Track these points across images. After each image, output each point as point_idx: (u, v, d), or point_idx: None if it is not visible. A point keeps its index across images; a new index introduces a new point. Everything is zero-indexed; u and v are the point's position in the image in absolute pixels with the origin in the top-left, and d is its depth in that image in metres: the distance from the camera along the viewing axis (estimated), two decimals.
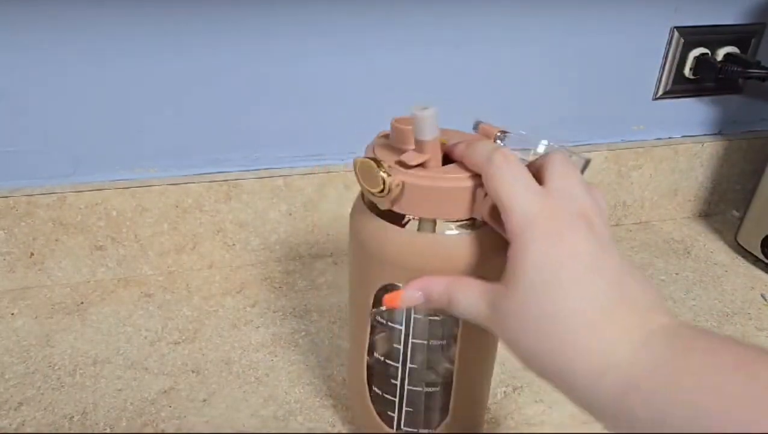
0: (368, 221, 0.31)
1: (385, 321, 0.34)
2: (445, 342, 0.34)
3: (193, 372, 0.46)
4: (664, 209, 0.70)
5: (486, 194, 0.28)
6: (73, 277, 0.56)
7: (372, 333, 0.34)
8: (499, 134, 0.32)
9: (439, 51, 0.55)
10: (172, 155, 0.55)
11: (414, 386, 0.35)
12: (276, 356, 0.48)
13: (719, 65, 0.61)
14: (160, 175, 0.55)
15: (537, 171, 0.27)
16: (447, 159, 0.29)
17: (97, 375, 0.46)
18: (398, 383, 0.35)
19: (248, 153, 0.56)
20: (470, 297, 0.27)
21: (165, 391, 0.44)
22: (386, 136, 0.31)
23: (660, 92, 0.64)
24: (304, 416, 0.42)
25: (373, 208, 0.31)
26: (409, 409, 0.35)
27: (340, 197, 0.58)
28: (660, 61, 0.62)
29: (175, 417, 0.42)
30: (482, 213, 0.28)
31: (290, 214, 0.58)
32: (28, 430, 0.41)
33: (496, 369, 0.46)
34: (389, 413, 0.36)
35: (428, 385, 0.35)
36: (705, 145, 0.67)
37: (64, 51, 0.48)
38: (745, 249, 0.63)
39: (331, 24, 0.52)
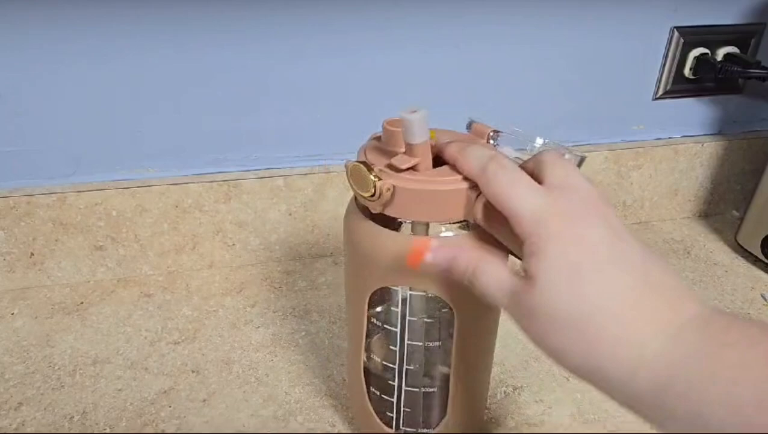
0: (361, 224, 0.31)
1: (381, 324, 0.34)
2: (441, 343, 0.34)
3: (193, 372, 0.46)
4: (664, 209, 0.70)
5: (478, 196, 0.27)
6: (73, 277, 0.56)
7: (368, 334, 0.34)
8: (492, 133, 0.31)
9: (439, 51, 0.55)
10: (172, 155, 0.55)
11: (411, 387, 0.35)
12: (276, 356, 0.48)
13: (719, 65, 0.61)
14: (160, 175, 0.55)
15: (532, 173, 0.27)
16: (438, 159, 0.29)
17: (97, 375, 0.45)
18: (395, 384, 0.35)
19: (248, 153, 0.56)
20: (492, 283, 0.26)
21: (165, 391, 0.44)
22: (379, 138, 0.31)
23: (660, 92, 0.64)
24: (304, 416, 0.42)
25: (366, 211, 0.31)
26: (407, 409, 0.35)
27: (340, 197, 0.58)
28: (660, 61, 0.62)
29: (175, 417, 0.42)
30: (474, 215, 0.28)
31: (290, 214, 0.58)
32: (28, 430, 0.41)
33: (496, 369, 0.46)
34: (388, 413, 0.36)
35: (425, 386, 0.35)
36: (705, 145, 0.67)
37: (64, 51, 0.48)
38: (745, 249, 0.63)
39: (331, 24, 0.52)
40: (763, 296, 0.57)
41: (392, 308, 0.33)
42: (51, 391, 0.44)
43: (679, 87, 0.64)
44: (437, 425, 0.36)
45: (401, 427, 0.36)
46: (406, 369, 0.34)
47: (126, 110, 0.52)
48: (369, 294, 0.32)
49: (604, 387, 0.23)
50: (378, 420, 0.36)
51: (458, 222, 0.29)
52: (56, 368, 0.46)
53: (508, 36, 0.57)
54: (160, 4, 0.48)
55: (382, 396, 0.36)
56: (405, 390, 0.35)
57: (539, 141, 0.30)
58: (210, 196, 0.55)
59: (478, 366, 0.35)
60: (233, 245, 0.59)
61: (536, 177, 0.26)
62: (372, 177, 0.27)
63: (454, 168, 0.28)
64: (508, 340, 0.50)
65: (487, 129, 0.31)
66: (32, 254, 0.54)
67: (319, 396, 0.44)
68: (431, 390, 0.35)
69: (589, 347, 0.23)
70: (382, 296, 0.33)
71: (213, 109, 0.53)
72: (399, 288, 0.32)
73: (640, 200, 0.68)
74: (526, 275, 0.25)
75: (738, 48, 0.62)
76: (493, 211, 0.27)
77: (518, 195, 0.25)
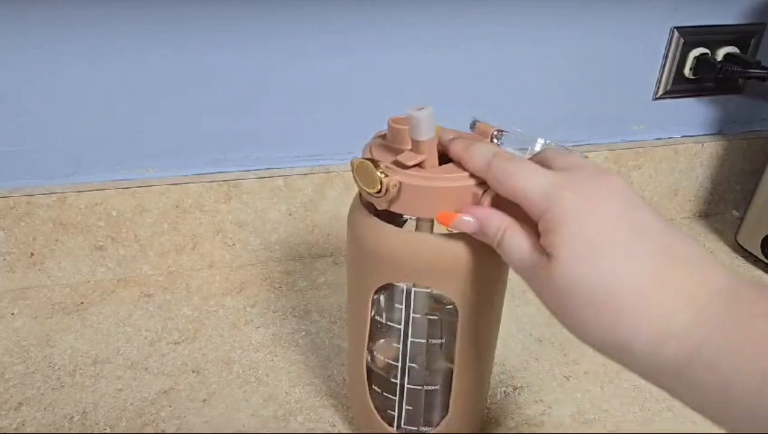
0: (366, 221, 0.31)
1: (384, 321, 0.34)
2: (444, 340, 0.34)
3: (193, 372, 0.46)
4: (664, 209, 0.70)
5: (483, 192, 0.28)
6: (73, 277, 0.56)
7: (371, 333, 0.34)
8: (495, 132, 0.31)
9: (439, 51, 0.55)
10: (172, 155, 0.55)
11: (414, 385, 0.35)
12: (276, 356, 0.48)
13: (719, 65, 0.61)
14: (160, 175, 0.55)
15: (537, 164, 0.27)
16: (443, 157, 0.30)
17: (97, 375, 0.45)
18: (398, 382, 0.35)
19: (248, 153, 0.56)
20: (516, 255, 0.26)
21: (165, 391, 0.44)
22: (383, 136, 0.31)
23: (660, 92, 0.64)
24: (304, 416, 0.42)
25: (371, 208, 0.31)
26: (409, 407, 0.36)
27: (340, 197, 0.58)
28: (660, 61, 0.62)
29: (175, 417, 0.42)
30: None
31: (290, 214, 0.58)
32: (28, 430, 0.41)
33: (496, 368, 0.46)
34: (389, 412, 0.36)
35: (428, 384, 0.35)
36: (705, 145, 0.67)
37: (64, 51, 0.48)
38: (745, 249, 0.63)
39: (331, 24, 0.52)
40: None
41: (396, 305, 0.33)
42: (51, 391, 0.44)
43: (679, 87, 0.64)
44: (438, 424, 0.36)
45: (403, 426, 0.36)
46: (409, 366, 0.34)
47: (126, 110, 0.52)
48: (373, 291, 0.32)
49: (628, 361, 0.23)
50: (380, 419, 0.36)
51: None
52: (56, 368, 0.46)
53: (508, 36, 0.57)
54: (160, 4, 0.48)
55: (384, 394, 0.36)
56: (408, 388, 0.35)
57: (540, 141, 0.30)
58: (210, 196, 0.55)
59: (481, 363, 0.35)
60: (233, 245, 0.59)
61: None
62: (378, 174, 0.28)
63: (460, 165, 0.28)
64: (508, 340, 0.50)
65: (490, 129, 0.32)
66: (32, 254, 0.54)
67: (319, 396, 0.44)
68: (433, 387, 0.35)
69: (612, 322, 0.22)
70: (385, 293, 0.33)
71: (213, 109, 0.53)
72: (403, 285, 0.32)
73: None
74: (545, 252, 0.24)
75: (738, 48, 0.62)
76: (500, 207, 0.27)
77: (526, 178, 0.25)
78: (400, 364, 0.34)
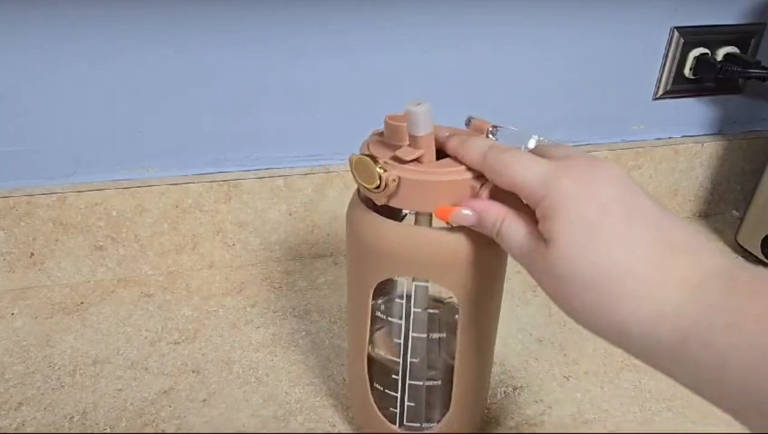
0: (365, 216, 0.31)
1: (384, 316, 0.34)
2: (444, 334, 0.34)
3: (193, 372, 0.46)
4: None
5: (481, 186, 0.28)
6: (73, 277, 0.56)
7: (371, 329, 0.34)
8: (491, 128, 0.32)
9: (439, 51, 0.55)
10: (172, 155, 0.55)
11: (415, 380, 0.35)
12: (276, 356, 0.48)
13: (719, 65, 0.61)
14: (160, 175, 0.55)
15: None
16: (439, 153, 0.30)
17: (97, 375, 0.45)
18: (399, 378, 0.35)
19: (248, 153, 0.56)
20: (514, 242, 0.26)
21: (165, 391, 0.44)
22: (380, 134, 0.32)
23: (660, 92, 0.64)
24: (304, 416, 0.42)
25: (370, 204, 0.31)
26: (410, 404, 0.36)
27: (340, 197, 0.58)
28: (660, 61, 0.62)
29: (175, 417, 0.42)
30: None
31: (290, 214, 0.58)
32: (28, 430, 0.41)
33: (496, 368, 0.46)
34: (391, 409, 0.36)
35: (429, 379, 0.35)
36: (705, 145, 0.67)
37: (64, 51, 0.48)
38: (745, 249, 0.63)
39: (331, 24, 0.52)
40: None
41: (396, 300, 0.33)
42: (51, 391, 0.44)
43: (679, 87, 0.64)
44: (440, 420, 0.36)
45: (405, 423, 0.36)
46: (410, 362, 0.34)
47: (126, 110, 0.52)
48: (373, 287, 0.32)
49: (626, 343, 0.23)
50: (382, 417, 0.36)
51: None
52: (56, 368, 0.46)
53: (508, 36, 0.57)
54: (160, 4, 0.48)
55: (386, 391, 0.36)
56: (409, 384, 0.35)
57: (534, 139, 0.31)
58: (210, 196, 0.55)
59: (482, 357, 0.35)
60: (233, 245, 0.59)
61: None
62: (378, 169, 0.28)
63: (457, 160, 0.29)
64: (508, 340, 0.50)
65: (486, 124, 0.32)
66: (32, 254, 0.54)
67: (319, 396, 0.44)
68: (435, 383, 0.35)
69: (610, 305, 0.23)
70: (385, 289, 0.33)
71: (213, 109, 0.53)
72: (404, 279, 0.32)
73: None
74: (543, 238, 0.25)
75: (738, 48, 0.62)
76: (498, 199, 0.27)
77: (524, 167, 0.25)
78: (401, 360, 0.34)
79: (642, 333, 0.22)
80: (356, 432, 0.41)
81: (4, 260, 0.54)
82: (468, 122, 0.33)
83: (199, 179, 0.55)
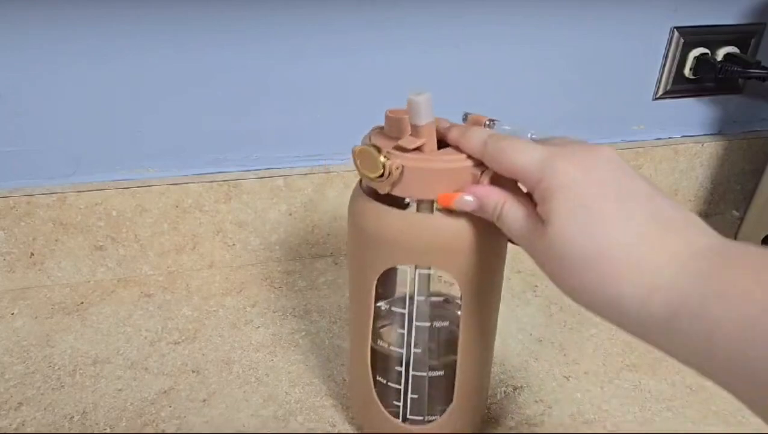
0: (367, 205, 0.31)
1: (388, 306, 0.34)
2: (448, 323, 0.35)
3: (193, 372, 0.46)
4: None
5: (482, 173, 0.29)
6: (73, 277, 0.56)
7: (374, 320, 0.34)
8: (488, 122, 0.33)
9: (439, 51, 0.55)
10: (172, 155, 0.55)
11: (418, 371, 0.35)
12: (276, 356, 0.48)
13: (719, 65, 0.61)
14: (160, 175, 0.55)
15: None
16: (440, 144, 0.30)
17: (97, 375, 0.45)
18: (403, 369, 0.35)
19: (248, 153, 0.56)
20: (514, 225, 0.27)
21: (165, 391, 0.44)
22: (381, 129, 0.32)
23: (660, 92, 0.64)
24: (304, 416, 0.42)
25: (372, 194, 0.31)
26: (414, 396, 0.36)
27: (340, 197, 0.58)
28: (660, 61, 0.62)
29: (175, 417, 0.42)
30: None
31: (290, 214, 0.58)
32: (28, 430, 0.41)
33: (496, 368, 0.46)
34: (395, 403, 0.36)
35: (432, 369, 0.35)
36: (705, 145, 0.67)
37: (64, 51, 0.48)
38: None
39: (331, 24, 0.52)
40: None
41: (399, 288, 0.33)
42: (51, 391, 0.44)
43: (679, 87, 0.64)
44: (443, 412, 0.36)
45: (408, 416, 0.36)
46: (414, 352, 0.34)
47: (126, 110, 0.52)
48: (377, 276, 0.32)
49: (619, 319, 0.24)
50: (385, 411, 0.36)
51: None
52: (56, 368, 0.46)
53: (508, 36, 0.57)
54: (160, 4, 0.48)
55: (389, 383, 0.36)
56: (412, 375, 0.35)
57: (529, 134, 0.31)
58: (210, 196, 0.55)
59: (484, 344, 0.36)
60: (233, 245, 0.59)
61: None
62: (381, 158, 0.28)
63: (458, 150, 0.30)
64: (508, 340, 0.50)
65: (482, 119, 0.33)
66: (32, 254, 0.54)
67: (319, 396, 0.44)
68: (438, 373, 0.35)
69: (604, 280, 0.23)
70: (388, 278, 0.34)
71: (213, 109, 0.53)
72: (407, 268, 0.32)
73: None
74: (542, 220, 0.26)
75: (738, 48, 0.62)
76: (498, 185, 0.28)
77: (521, 152, 0.26)
78: (404, 350, 0.34)
79: (635, 307, 0.23)
80: (356, 432, 0.41)
81: (4, 260, 0.54)
82: (465, 118, 0.34)
83: (199, 179, 0.55)
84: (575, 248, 0.24)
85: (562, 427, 0.42)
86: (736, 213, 0.71)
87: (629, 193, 0.24)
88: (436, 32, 0.55)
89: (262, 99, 0.54)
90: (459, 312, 0.33)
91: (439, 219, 0.30)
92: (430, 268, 0.32)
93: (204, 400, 0.43)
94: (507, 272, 0.36)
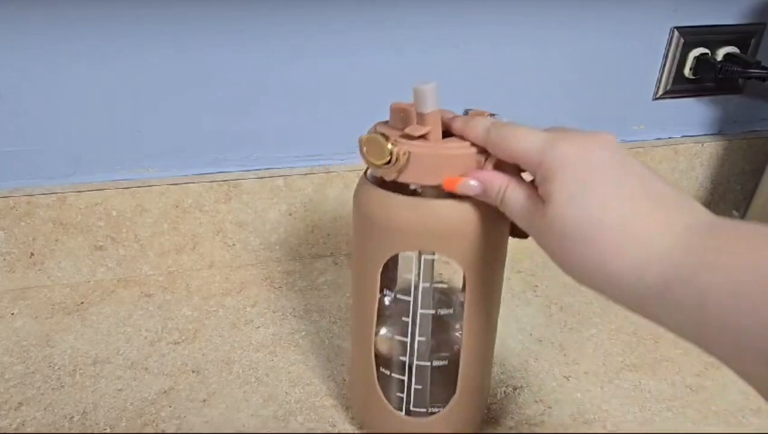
0: (373, 193, 0.32)
1: (392, 294, 0.34)
2: (452, 310, 0.35)
3: (193, 372, 0.46)
4: None
5: (486, 159, 0.30)
6: (73, 277, 0.56)
7: (379, 310, 0.35)
8: (488, 115, 0.33)
9: (439, 51, 0.55)
10: (172, 155, 0.55)
11: (422, 361, 0.35)
12: (276, 356, 0.48)
13: (719, 65, 0.61)
14: (160, 175, 0.55)
15: None
16: (445, 134, 0.31)
17: (97, 375, 0.45)
18: (407, 359, 0.35)
19: (248, 153, 0.56)
20: (516, 206, 0.28)
21: (165, 391, 0.44)
22: (384, 123, 0.33)
23: (660, 92, 0.64)
24: (304, 416, 0.42)
25: (377, 183, 0.32)
26: (418, 386, 0.36)
27: (340, 197, 0.58)
28: (660, 61, 0.62)
29: (175, 417, 0.42)
30: None
31: (290, 214, 0.58)
32: (28, 430, 0.41)
33: (496, 368, 0.46)
34: (398, 394, 0.36)
35: (436, 359, 0.35)
36: (705, 145, 0.67)
37: (64, 51, 0.48)
38: None
39: (331, 24, 0.52)
40: None
41: (405, 275, 0.34)
42: (51, 391, 0.44)
43: (679, 87, 0.64)
44: (446, 404, 0.36)
45: (411, 408, 0.36)
46: (418, 340, 0.34)
47: (126, 110, 0.52)
48: (383, 263, 0.33)
49: (615, 292, 0.24)
50: (387, 403, 0.36)
51: None
52: (56, 368, 0.46)
53: (508, 36, 0.57)
54: (160, 4, 0.48)
55: (392, 374, 0.36)
56: (416, 365, 0.35)
57: None
58: (210, 196, 0.55)
59: (487, 332, 0.36)
60: (233, 245, 0.59)
61: None
62: (389, 145, 0.29)
63: (462, 139, 0.31)
64: (508, 340, 0.50)
65: (484, 113, 0.33)
66: (32, 254, 0.54)
67: (319, 396, 0.44)
68: (442, 363, 0.35)
69: (600, 254, 0.24)
70: (391, 270, 0.34)
71: (213, 109, 0.53)
72: (412, 255, 0.33)
73: None
74: (542, 200, 0.27)
75: (738, 48, 0.62)
76: (501, 171, 0.29)
77: (523, 137, 0.27)
78: (409, 338, 0.34)
79: (631, 279, 0.23)
80: (357, 432, 0.41)
81: (4, 260, 0.54)
82: (465, 113, 0.34)
83: (199, 179, 0.55)
84: (574, 225, 0.25)
85: (562, 427, 0.42)
86: (736, 213, 0.71)
87: (626, 173, 0.25)
88: (436, 32, 0.55)
89: (262, 99, 0.54)
90: (462, 300, 0.33)
91: (443, 205, 0.31)
92: (434, 254, 0.33)
93: (204, 400, 0.43)
94: (507, 272, 0.36)
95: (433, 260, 0.33)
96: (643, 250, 0.23)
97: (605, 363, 0.48)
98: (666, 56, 0.62)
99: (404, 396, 0.36)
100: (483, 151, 0.30)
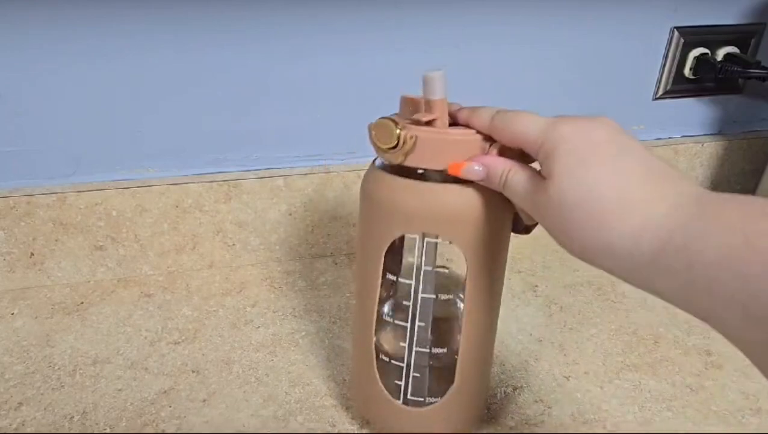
0: (381, 177, 0.33)
1: (395, 278, 0.35)
2: (452, 296, 0.35)
3: (193, 372, 0.46)
4: None
5: (490, 145, 0.31)
6: (73, 277, 0.56)
7: (381, 294, 0.35)
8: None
9: (439, 51, 0.55)
10: (172, 155, 0.55)
11: (421, 347, 0.35)
12: (276, 356, 0.48)
13: (719, 65, 0.61)
14: (160, 175, 0.55)
15: None
16: (452, 124, 0.32)
17: (97, 375, 0.45)
18: (406, 344, 0.35)
19: (248, 153, 0.56)
20: (519, 187, 0.29)
21: (165, 391, 0.44)
22: (395, 114, 0.34)
23: (660, 92, 0.64)
24: (304, 416, 0.42)
25: (385, 169, 0.33)
26: (416, 374, 0.36)
27: (340, 197, 0.58)
28: (660, 61, 0.62)
29: (175, 417, 0.42)
30: None
31: (290, 214, 0.58)
32: (28, 430, 0.41)
33: (496, 368, 0.46)
34: (396, 382, 0.36)
35: (435, 346, 0.35)
36: (705, 145, 0.67)
37: (64, 51, 0.48)
38: None
39: (331, 24, 0.52)
40: None
41: (408, 259, 0.34)
42: (51, 391, 0.44)
43: (679, 87, 0.64)
44: (443, 395, 0.36)
45: (409, 397, 0.36)
46: (418, 325, 0.35)
47: (126, 110, 0.52)
48: (387, 245, 0.33)
49: (610, 261, 0.25)
50: (385, 391, 0.36)
51: None
52: (56, 368, 0.46)
53: (508, 36, 0.57)
54: (160, 4, 0.48)
55: (392, 361, 0.36)
56: (415, 352, 0.35)
57: None
58: (210, 196, 0.55)
59: (488, 321, 0.36)
60: (233, 245, 0.59)
61: None
62: (397, 129, 0.30)
63: (468, 127, 0.32)
64: (508, 340, 0.50)
65: None
66: (32, 254, 0.54)
67: (319, 396, 0.44)
68: (441, 350, 0.36)
69: (597, 223, 0.25)
70: (398, 252, 0.35)
71: (213, 109, 0.53)
72: (415, 238, 0.33)
73: None
74: (543, 179, 0.28)
75: (738, 48, 0.62)
76: (505, 157, 0.30)
77: (525, 121, 0.29)
78: (409, 323, 0.35)
79: (626, 246, 0.24)
80: (356, 432, 0.41)
81: (4, 260, 0.54)
82: None
83: (199, 179, 0.55)
84: (573, 197, 0.26)
85: (562, 427, 0.42)
86: None
87: (624, 150, 0.26)
88: (436, 32, 0.55)
89: (262, 99, 0.54)
90: (464, 289, 0.34)
91: (447, 189, 0.31)
92: (437, 237, 0.33)
93: (204, 400, 0.43)
94: (507, 272, 0.36)
95: (436, 244, 0.34)
96: (638, 219, 0.24)
97: (605, 363, 0.48)
98: (666, 56, 0.62)
99: (402, 383, 0.36)
100: (488, 138, 0.31)
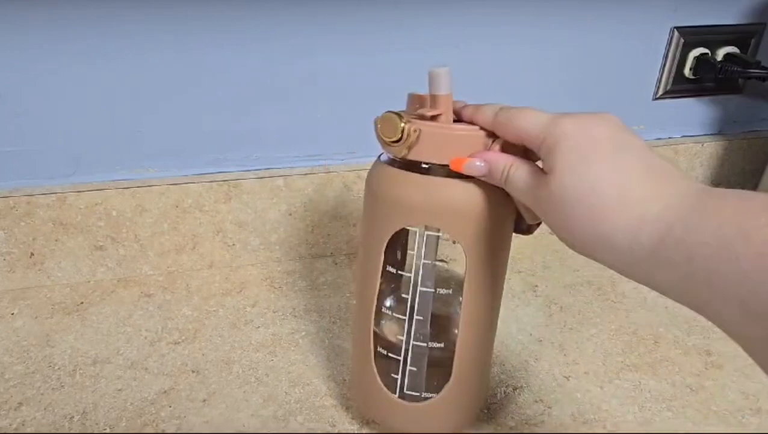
0: (385, 171, 0.34)
1: (395, 270, 0.35)
2: (451, 291, 0.35)
3: (193, 372, 0.46)
4: None
5: (493, 141, 0.31)
6: (73, 277, 0.56)
7: (381, 286, 0.35)
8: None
9: (439, 51, 0.55)
10: (172, 155, 0.55)
11: (419, 341, 0.35)
12: (276, 356, 0.48)
13: (719, 65, 0.61)
14: (160, 175, 0.55)
15: None
16: (456, 121, 0.33)
17: (97, 375, 0.45)
18: (404, 338, 0.35)
19: (248, 153, 0.56)
20: (521, 182, 0.29)
21: (165, 391, 0.44)
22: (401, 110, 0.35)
23: (660, 92, 0.64)
24: (304, 416, 0.42)
25: (390, 163, 0.34)
26: (413, 368, 0.36)
27: (340, 197, 0.58)
28: (660, 61, 0.62)
29: (175, 417, 0.42)
30: None
31: (290, 214, 0.58)
32: (28, 430, 0.41)
33: (496, 368, 0.46)
34: (393, 375, 0.36)
35: (433, 340, 0.35)
36: (705, 145, 0.67)
37: (64, 51, 0.48)
38: None
39: (331, 24, 0.52)
40: None
41: (409, 251, 0.35)
42: (51, 391, 0.44)
43: (679, 87, 0.64)
44: (440, 391, 0.36)
45: (405, 391, 0.36)
46: (416, 319, 0.35)
47: (126, 110, 0.52)
48: (388, 237, 0.34)
49: (609, 255, 0.26)
50: (381, 384, 0.36)
51: None
52: (56, 368, 0.46)
53: (508, 36, 0.57)
54: (160, 4, 0.48)
55: (389, 354, 0.36)
56: (413, 346, 0.35)
57: None
58: (210, 196, 0.55)
59: (487, 318, 0.36)
60: (233, 245, 0.59)
61: None
62: (401, 123, 0.31)
63: (472, 124, 0.32)
64: (508, 340, 0.50)
65: None
66: (32, 254, 0.54)
67: (319, 396, 0.44)
68: (438, 345, 0.36)
69: (597, 217, 0.25)
70: (401, 247, 0.35)
71: (213, 109, 0.53)
72: (416, 230, 0.34)
73: None
74: (545, 174, 0.28)
75: (738, 48, 0.62)
76: (507, 153, 0.31)
77: (528, 117, 0.29)
78: (407, 317, 0.35)
79: (626, 240, 0.24)
80: (356, 432, 0.41)
81: (4, 260, 0.54)
82: None
83: (199, 179, 0.55)
84: (574, 192, 0.26)
85: (562, 427, 0.42)
86: None
87: (625, 147, 0.26)
88: (436, 32, 0.55)
89: (262, 99, 0.54)
90: (464, 287, 0.34)
91: (450, 183, 0.32)
92: (438, 231, 0.33)
93: (204, 400, 0.43)
94: (507, 272, 0.36)
95: (437, 237, 0.34)
96: (638, 212, 0.24)
97: (605, 363, 0.48)
98: (666, 56, 0.62)
99: (399, 377, 0.36)
100: (491, 135, 0.31)
